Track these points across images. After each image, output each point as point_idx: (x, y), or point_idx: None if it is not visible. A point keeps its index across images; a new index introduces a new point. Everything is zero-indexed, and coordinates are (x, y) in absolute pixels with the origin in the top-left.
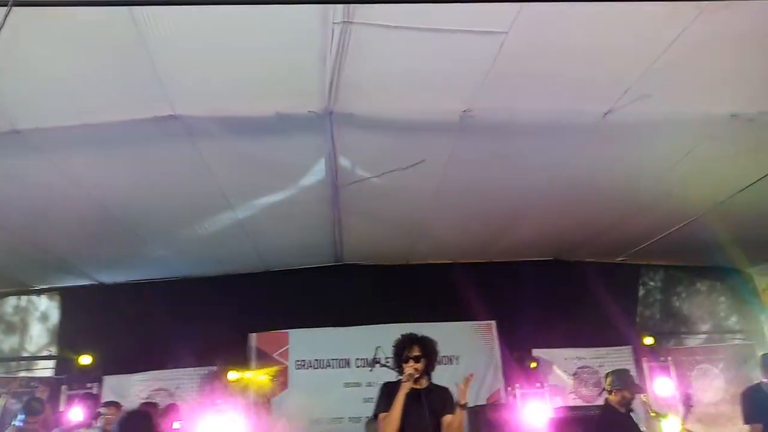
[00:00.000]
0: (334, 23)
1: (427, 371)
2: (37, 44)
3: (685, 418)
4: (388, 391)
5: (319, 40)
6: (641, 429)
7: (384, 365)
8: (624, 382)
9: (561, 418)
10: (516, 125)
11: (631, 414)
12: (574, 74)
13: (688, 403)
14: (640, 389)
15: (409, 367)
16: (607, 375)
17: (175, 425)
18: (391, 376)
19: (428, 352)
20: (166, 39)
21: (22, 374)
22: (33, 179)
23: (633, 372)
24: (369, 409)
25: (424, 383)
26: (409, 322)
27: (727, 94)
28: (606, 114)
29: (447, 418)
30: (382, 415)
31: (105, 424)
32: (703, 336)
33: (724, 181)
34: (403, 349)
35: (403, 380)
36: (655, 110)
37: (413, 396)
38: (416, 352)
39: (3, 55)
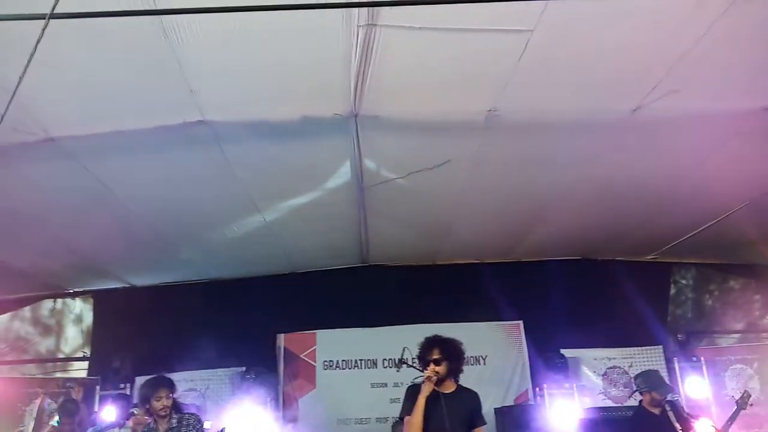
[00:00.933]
0: (358, 26)
1: (451, 374)
2: (69, 53)
3: (732, 419)
4: (413, 394)
5: (343, 43)
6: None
7: (411, 366)
8: (651, 382)
9: (590, 419)
10: (542, 124)
11: (669, 413)
12: (601, 71)
13: (744, 401)
14: (670, 389)
15: (429, 370)
16: (635, 377)
17: (206, 425)
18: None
19: (450, 354)
20: (194, 45)
21: (58, 375)
22: (67, 185)
23: (663, 372)
24: (395, 410)
25: (449, 387)
26: (436, 322)
27: (758, 88)
28: (634, 110)
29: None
30: (406, 418)
31: (135, 425)
32: (737, 335)
33: (758, 176)
34: (424, 351)
35: (423, 382)
36: (685, 105)
37: (436, 400)
38: (436, 355)
39: (37, 64)
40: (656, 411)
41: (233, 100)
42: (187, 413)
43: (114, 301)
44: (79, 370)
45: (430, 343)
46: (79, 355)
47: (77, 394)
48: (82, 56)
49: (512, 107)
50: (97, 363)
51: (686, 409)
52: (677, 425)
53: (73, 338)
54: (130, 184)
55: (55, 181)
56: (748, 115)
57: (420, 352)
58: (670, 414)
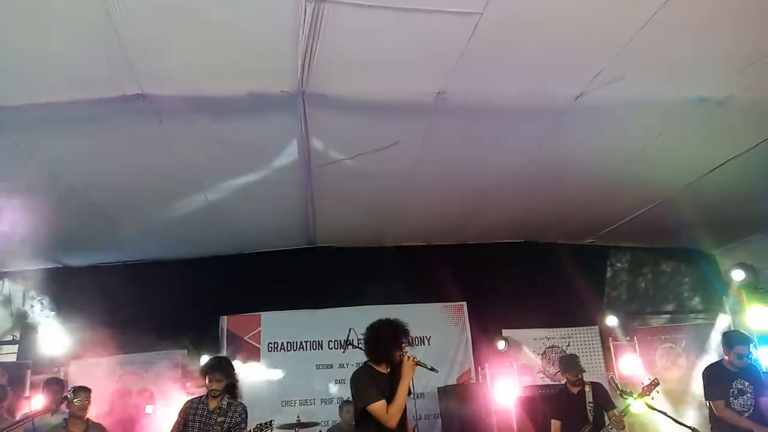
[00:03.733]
0: (306, 0)
1: None
2: (1, 20)
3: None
4: (371, 380)
5: (291, 18)
6: (589, 405)
7: (356, 347)
8: (563, 366)
9: (528, 397)
10: (489, 107)
11: (587, 393)
12: (547, 57)
13: (649, 389)
14: (580, 370)
15: (409, 353)
16: (558, 361)
17: (147, 409)
18: (363, 358)
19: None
20: (134, 15)
21: None
22: None
23: (598, 351)
24: (341, 391)
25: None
26: (382, 304)
27: (697, 78)
28: (578, 97)
29: None
30: (379, 404)
31: (75, 410)
32: (668, 316)
33: (693, 163)
34: (400, 335)
35: (412, 364)
36: (627, 93)
37: (387, 380)
38: (407, 338)
39: None
40: (575, 390)
41: (174, 74)
42: (238, 402)
43: (47, 282)
44: (9, 354)
45: (402, 327)
46: (8, 338)
47: (1, 378)
48: (11, 22)
49: (460, 90)
50: (28, 346)
51: (620, 387)
52: (591, 404)
53: (1, 321)
54: (65, 159)
55: None
56: (685, 104)
57: (395, 337)
58: (588, 394)
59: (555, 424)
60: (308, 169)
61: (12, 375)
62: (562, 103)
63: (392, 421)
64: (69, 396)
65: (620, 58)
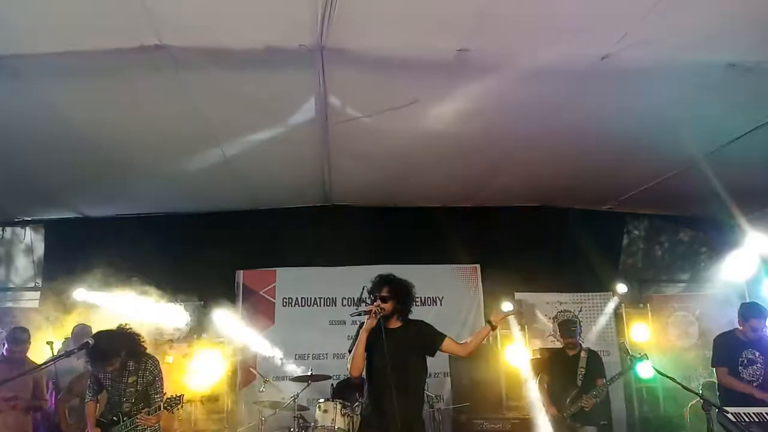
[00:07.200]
0: None
1: (397, 313)
2: None
3: (616, 378)
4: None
5: None
6: (581, 370)
7: (368, 304)
8: (559, 329)
9: (538, 359)
10: (511, 67)
11: (582, 359)
12: (573, 16)
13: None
14: (571, 335)
15: (374, 305)
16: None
17: (167, 359)
18: None
19: (397, 293)
20: None
21: (9, 305)
22: (13, 107)
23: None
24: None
25: (395, 323)
26: (396, 263)
27: (725, 42)
28: (603, 58)
29: (446, 346)
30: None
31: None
32: (683, 284)
33: (717, 130)
34: (375, 288)
35: (367, 315)
36: (653, 56)
37: (379, 335)
38: (385, 293)
39: None
40: (570, 353)
41: (193, 25)
42: (148, 356)
43: (66, 231)
44: (31, 300)
45: (380, 281)
46: (31, 285)
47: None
48: None
49: (482, 48)
50: (48, 293)
51: (630, 352)
52: (582, 369)
53: (23, 269)
54: (82, 109)
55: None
56: (712, 69)
57: (371, 288)
58: (583, 359)
59: (542, 378)
60: (325, 126)
61: (34, 321)
62: (587, 64)
63: (351, 369)
64: (90, 342)
65: (650, 17)
